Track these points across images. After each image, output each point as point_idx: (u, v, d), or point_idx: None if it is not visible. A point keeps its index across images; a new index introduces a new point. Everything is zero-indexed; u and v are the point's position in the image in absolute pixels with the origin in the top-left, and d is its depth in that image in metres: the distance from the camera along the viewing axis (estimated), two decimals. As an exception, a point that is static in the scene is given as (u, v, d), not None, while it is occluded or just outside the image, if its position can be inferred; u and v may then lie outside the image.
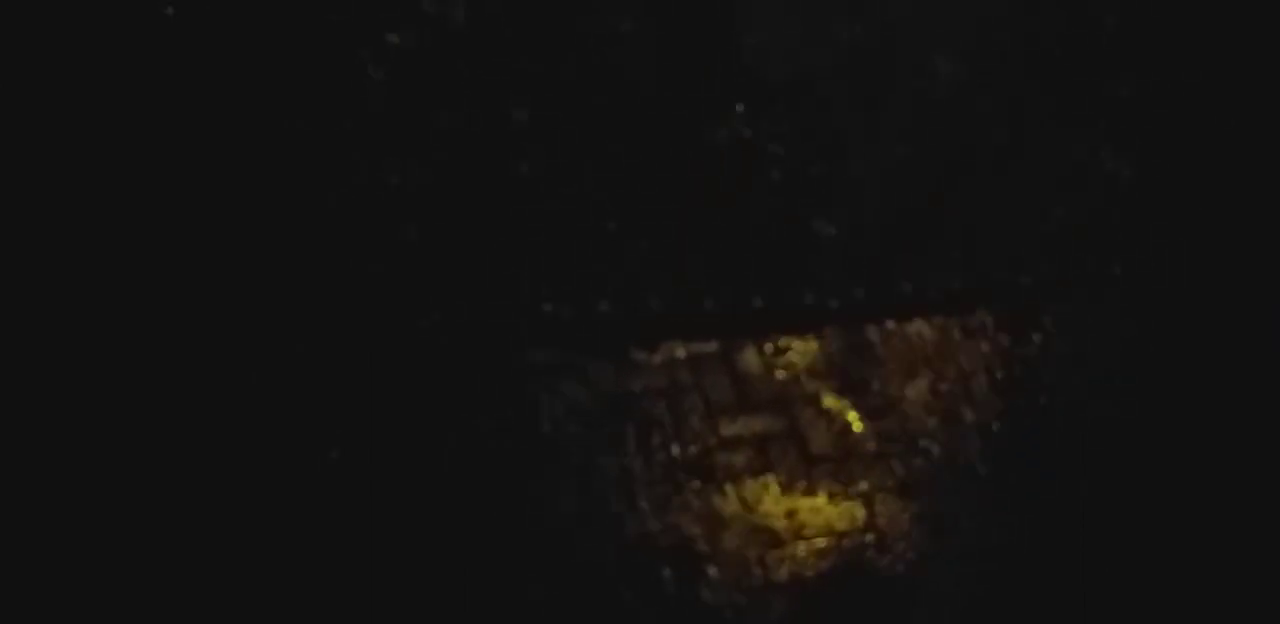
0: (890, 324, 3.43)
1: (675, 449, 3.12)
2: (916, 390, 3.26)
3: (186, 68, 4.00)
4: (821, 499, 3.02)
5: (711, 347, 3.38)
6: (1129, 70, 4.34)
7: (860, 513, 2.98)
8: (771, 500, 3.01)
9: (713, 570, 2.87)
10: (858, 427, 3.18)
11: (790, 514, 2.98)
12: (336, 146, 3.99)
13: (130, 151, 3.70)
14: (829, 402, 3.25)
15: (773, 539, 2.92)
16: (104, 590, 2.63)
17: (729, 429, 3.18)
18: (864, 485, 3.04)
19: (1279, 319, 3.35)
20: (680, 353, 3.37)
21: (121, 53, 3.86)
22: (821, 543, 2.93)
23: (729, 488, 3.04)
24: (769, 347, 3.39)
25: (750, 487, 3.04)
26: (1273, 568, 2.81)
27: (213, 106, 3.98)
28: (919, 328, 3.42)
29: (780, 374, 3.32)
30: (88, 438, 2.92)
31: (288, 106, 4.11)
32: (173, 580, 2.68)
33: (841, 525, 2.96)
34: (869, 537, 2.93)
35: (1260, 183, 3.81)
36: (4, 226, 3.21)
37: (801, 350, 3.38)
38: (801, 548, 2.92)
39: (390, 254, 3.62)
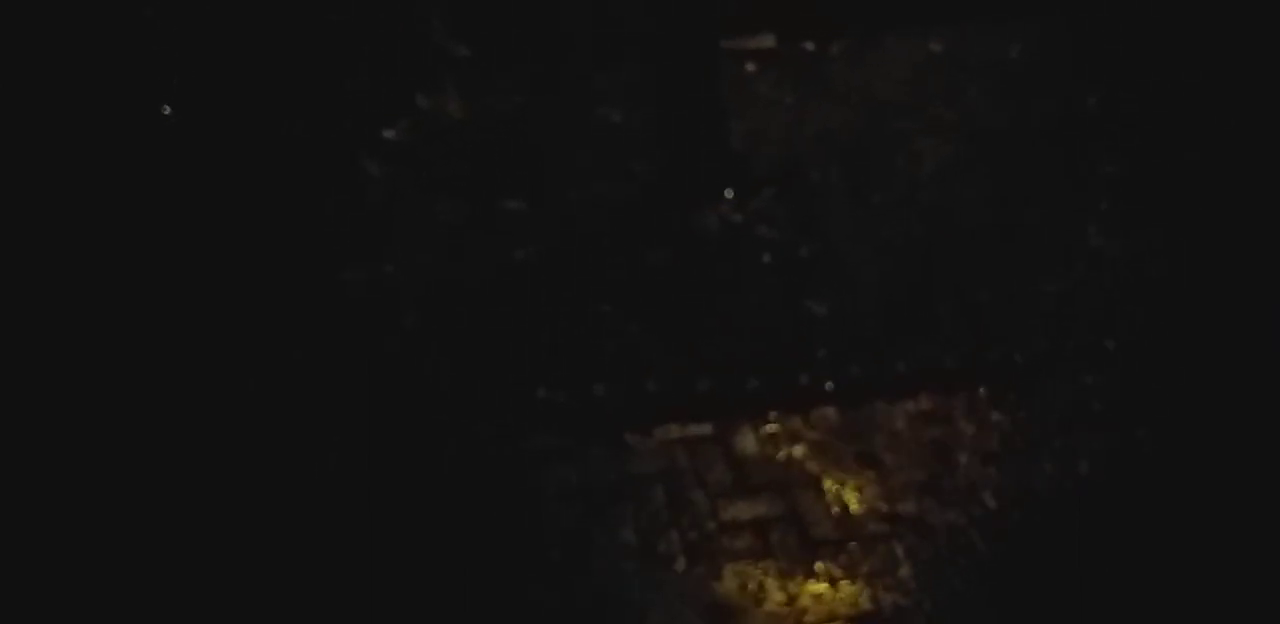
0: (887, 403, 3.42)
1: (674, 534, 3.08)
2: (916, 470, 3.23)
3: (191, 164, 4.07)
4: (824, 584, 2.96)
5: (707, 429, 3.36)
6: (1113, 148, 4.41)
7: (864, 597, 2.92)
8: (773, 586, 2.96)
9: (715, 660, 2.81)
10: (858, 508, 3.14)
11: (792, 600, 2.92)
12: (334, 236, 4.03)
13: (155, 252, 3.74)
14: (828, 483, 3.22)
15: (775, 625, 2.87)
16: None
17: (728, 513, 3.14)
18: (866, 569, 2.99)
19: (1275, 392, 3.34)
20: (676, 435, 3.35)
21: (127, 150, 3.94)
22: (825, 629, 2.87)
23: (729, 573, 2.99)
24: (766, 428, 3.37)
25: (751, 572, 2.99)
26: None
27: (217, 198, 4.04)
28: (915, 406, 3.41)
29: (778, 456, 3.30)
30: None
31: (289, 196, 4.17)
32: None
33: (844, 611, 2.90)
34: (873, 621, 2.87)
35: (1250, 257, 3.84)
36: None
37: (799, 431, 3.36)
38: (805, 634, 2.86)
39: (387, 341, 3.63)
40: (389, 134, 4.59)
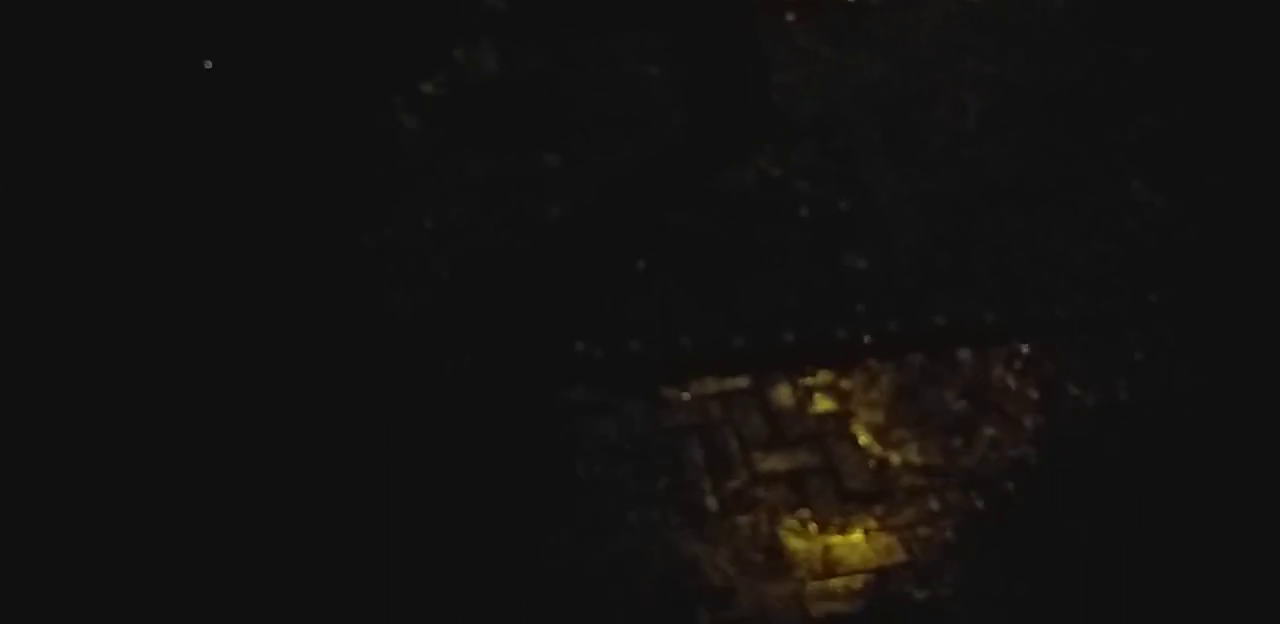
0: (924, 358, 3.41)
1: (710, 485, 3.11)
2: (951, 424, 3.23)
3: (230, 118, 4.09)
4: (858, 535, 2.98)
5: (744, 382, 3.37)
6: (1158, 103, 4.33)
7: (897, 550, 2.94)
8: (807, 536, 2.98)
9: (748, 607, 2.84)
10: (893, 461, 3.15)
11: (826, 550, 2.95)
12: (372, 190, 4.05)
13: (180, 209, 3.78)
14: (863, 437, 3.23)
15: (809, 575, 2.89)
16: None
17: (764, 465, 3.16)
18: (900, 521, 3.00)
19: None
20: (712, 389, 3.36)
21: (169, 102, 3.96)
22: (858, 579, 2.89)
23: (765, 523, 3.01)
24: (802, 382, 3.38)
25: (786, 522, 3.02)
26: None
27: (255, 151, 4.07)
28: (953, 361, 3.40)
29: (814, 409, 3.31)
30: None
31: (326, 152, 4.19)
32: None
33: (878, 562, 2.92)
34: (906, 572, 2.89)
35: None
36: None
37: (835, 385, 3.37)
38: (838, 584, 2.88)
39: (423, 294, 3.66)
40: (427, 88, 4.59)
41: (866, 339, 3.46)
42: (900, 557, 2.92)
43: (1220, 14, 4.72)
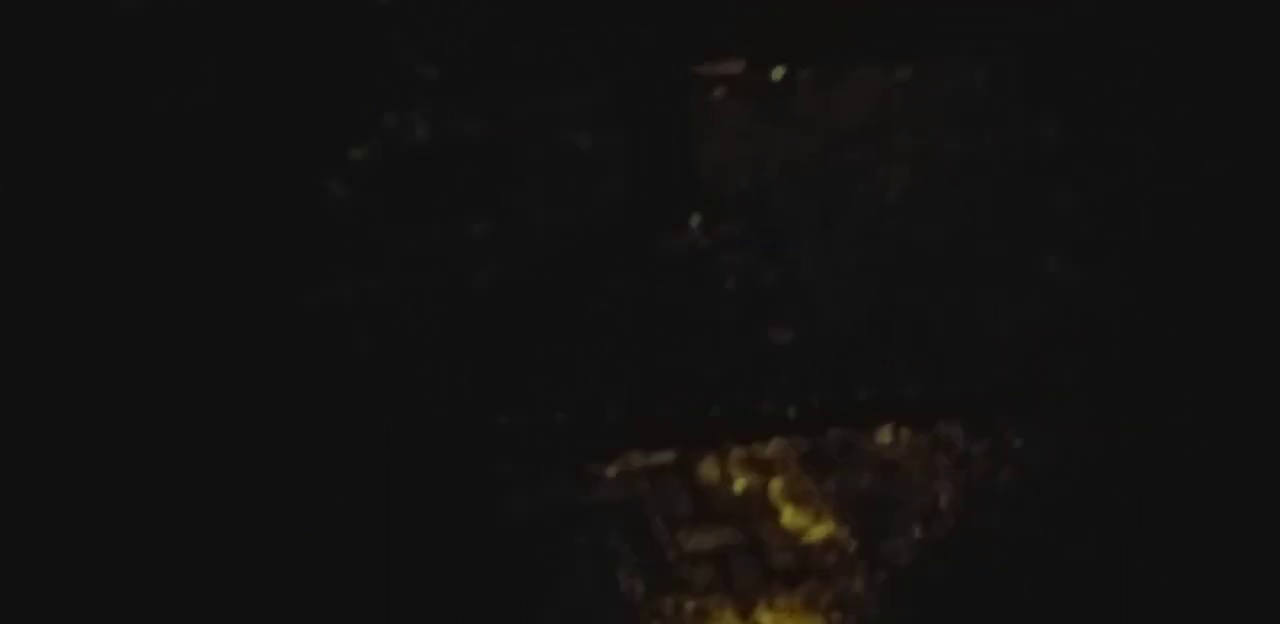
0: (847, 432, 3.42)
1: (635, 563, 3.07)
2: (874, 499, 3.23)
3: (157, 179, 4.04)
4: (784, 614, 2.95)
5: (669, 457, 3.35)
6: (1072, 179, 4.45)
7: (823, 628, 2.91)
8: (733, 616, 2.95)
9: (673, 691, 2.79)
10: (818, 539, 3.14)
11: (751, 631, 2.92)
12: (295, 257, 4.01)
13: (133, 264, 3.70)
14: (789, 513, 3.21)
15: (734, 657, 2.85)
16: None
17: (689, 543, 3.13)
18: (825, 601, 2.98)
19: (1238, 425, 3.37)
20: (638, 464, 3.34)
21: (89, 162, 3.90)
22: (784, 661, 2.85)
23: (689, 604, 2.97)
24: (727, 456, 3.36)
25: (711, 602, 2.98)
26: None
27: (176, 216, 4.01)
28: (877, 436, 3.41)
29: (739, 485, 3.29)
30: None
31: (253, 216, 4.14)
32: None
33: (804, 642, 2.89)
34: (831, 653, 2.86)
35: (1216, 286, 3.88)
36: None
37: (759, 459, 3.36)
38: (763, 666, 2.84)
39: (344, 365, 3.60)
40: (356, 154, 4.57)
41: (790, 413, 3.47)
42: (825, 637, 2.89)
43: (1135, 89, 4.90)
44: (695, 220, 4.18)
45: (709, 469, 3.33)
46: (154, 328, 3.63)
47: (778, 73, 4.80)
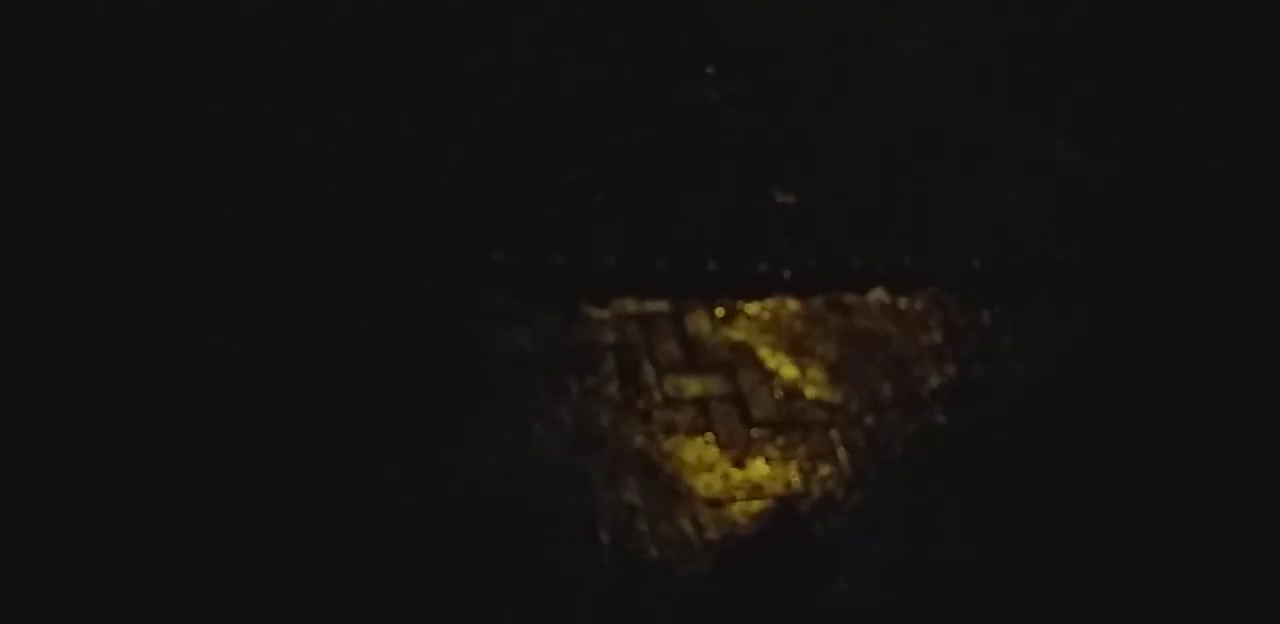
0: (840, 296, 3.47)
1: (620, 403, 3.13)
2: (859, 363, 3.31)
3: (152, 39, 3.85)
4: (758, 463, 3.05)
5: (662, 306, 3.38)
6: (1089, 64, 4.42)
7: (794, 480, 3.02)
8: (708, 461, 3.04)
9: (643, 525, 2.89)
10: (799, 394, 3.22)
11: (726, 476, 3.01)
12: (292, 90, 3.88)
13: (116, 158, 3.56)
14: (774, 368, 3.28)
15: (705, 498, 2.96)
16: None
17: (674, 388, 3.20)
18: (800, 453, 3.08)
19: (1228, 311, 3.46)
20: (632, 310, 3.36)
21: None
22: (753, 505, 2.96)
23: (668, 446, 3.06)
24: (719, 310, 3.40)
25: (689, 446, 3.07)
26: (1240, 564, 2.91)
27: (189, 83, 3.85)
28: (867, 303, 3.47)
29: (728, 338, 3.34)
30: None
31: (236, 52, 3.99)
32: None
33: (774, 490, 3.00)
34: (802, 503, 2.98)
35: (1215, 178, 3.92)
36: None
37: (751, 316, 3.40)
38: (733, 509, 2.95)
39: (343, 195, 3.55)
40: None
41: (785, 274, 3.50)
42: (796, 488, 3.00)
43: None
44: (709, 71, 4.10)
45: (700, 321, 3.37)
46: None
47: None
